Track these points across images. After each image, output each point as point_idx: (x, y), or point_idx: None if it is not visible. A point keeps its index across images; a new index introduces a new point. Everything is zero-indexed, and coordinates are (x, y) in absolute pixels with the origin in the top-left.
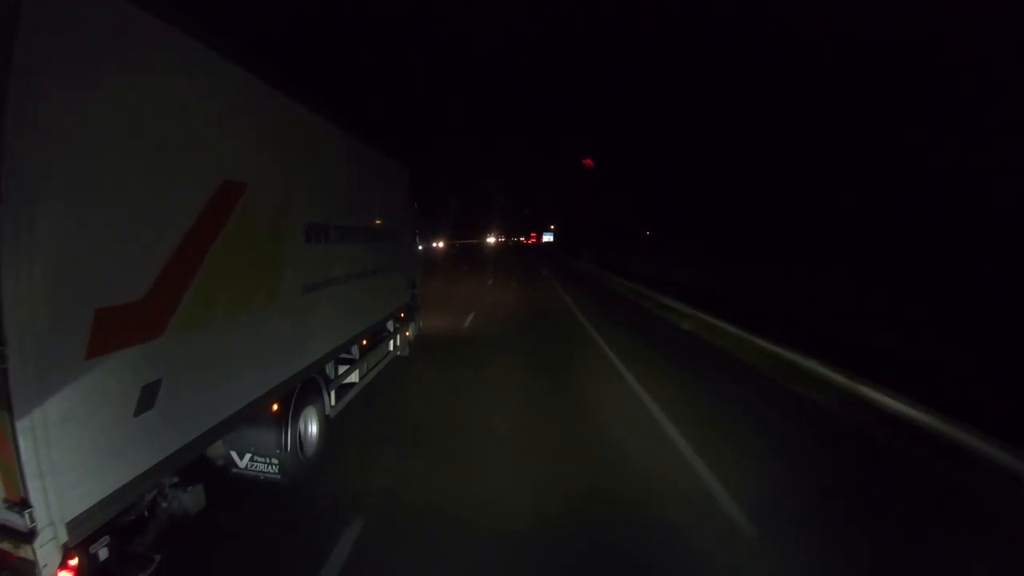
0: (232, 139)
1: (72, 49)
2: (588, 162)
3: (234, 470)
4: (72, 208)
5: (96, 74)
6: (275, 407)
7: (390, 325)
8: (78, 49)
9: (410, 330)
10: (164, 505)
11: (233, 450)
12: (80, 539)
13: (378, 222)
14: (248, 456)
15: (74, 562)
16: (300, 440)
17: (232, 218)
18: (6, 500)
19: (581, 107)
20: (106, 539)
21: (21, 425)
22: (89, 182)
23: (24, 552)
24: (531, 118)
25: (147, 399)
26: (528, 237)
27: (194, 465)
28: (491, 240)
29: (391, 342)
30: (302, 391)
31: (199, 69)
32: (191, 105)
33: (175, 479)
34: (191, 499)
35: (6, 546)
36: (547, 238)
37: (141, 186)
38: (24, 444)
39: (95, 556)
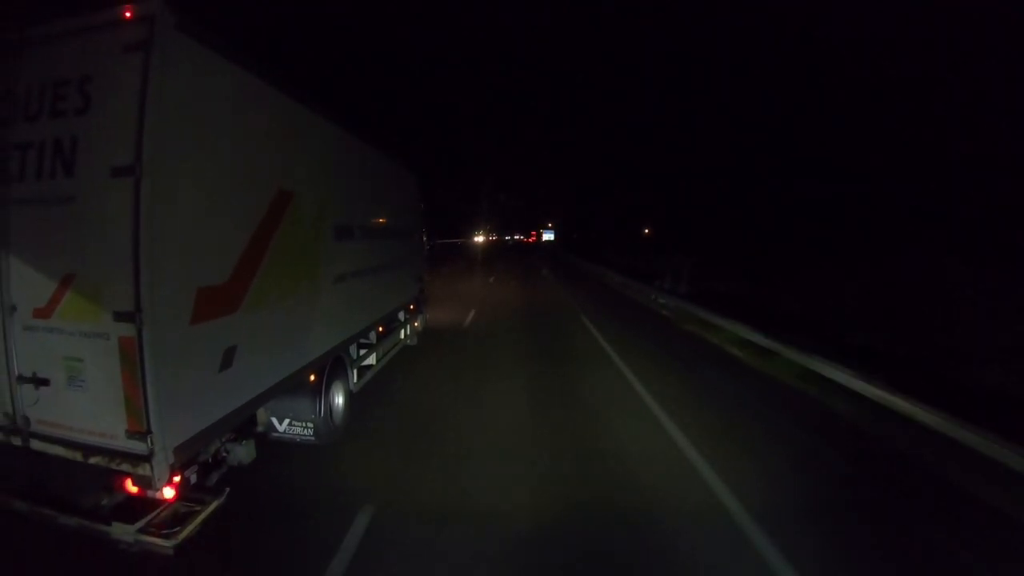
0: (285, 156)
1: (188, 97)
2: None
3: (273, 434)
4: (183, 216)
5: (204, 112)
6: (312, 378)
7: (401, 315)
8: (191, 92)
9: (418, 321)
10: (224, 455)
11: (274, 416)
12: (180, 463)
13: (392, 223)
14: (287, 421)
15: (176, 479)
16: (330, 409)
17: (284, 220)
18: (128, 432)
19: (583, 99)
20: (195, 467)
21: (149, 374)
22: (196, 196)
23: (142, 470)
24: (530, 107)
25: (227, 360)
26: (528, 235)
27: (244, 426)
28: (480, 239)
29: (402, 331)
30: (332, 366)
31: (268, 103)
32: (261, 131)
33: (232, 435)
34: (244, 451)
35: (125, 467)
36: (547, 236)
37: (228, 198)
38: (150, 388)
39: (188, 479)
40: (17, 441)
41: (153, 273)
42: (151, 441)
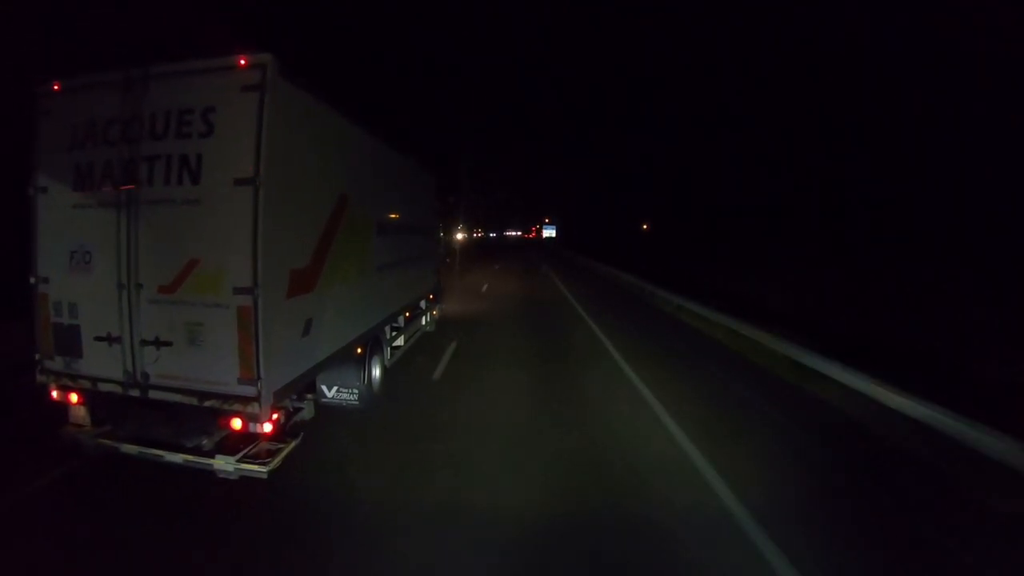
0: (344, 166)
1: (287, 125)
2: None
3: (323, 400)
4: (283, 215)
5: (295, 126)
6: (359, 351)
7: (422, 304)
8: (289, 122)
9: (435, 310)
10: (295, 409)
11: (323, 384)
12: (276, 404)
13: (416, 220)
14: (335, 388)
15: (275, 416)
16: (371, 379)
17: (343, 218)
18: (240, 379)
19: (584, 94)
20: (283, 411)
21: (261, 334)
22: (291, 199)
23: (252, 408)
24: (525, 101)
25: (307, 328)
26: (528, 231)
27: (306, 388)
28: (460, 236)
29: (423, 318)
30: (373, 343)
31: (334, 125)
32: (330, 147)
33: (295, 396)
34: (307, 409)
35: (237, 406)
36: (548, 233)
37: (309, 200)
38: (261, 345)
39: (279, 419)
40: (136, 393)
41: (265, 258)
42: (259, 385)
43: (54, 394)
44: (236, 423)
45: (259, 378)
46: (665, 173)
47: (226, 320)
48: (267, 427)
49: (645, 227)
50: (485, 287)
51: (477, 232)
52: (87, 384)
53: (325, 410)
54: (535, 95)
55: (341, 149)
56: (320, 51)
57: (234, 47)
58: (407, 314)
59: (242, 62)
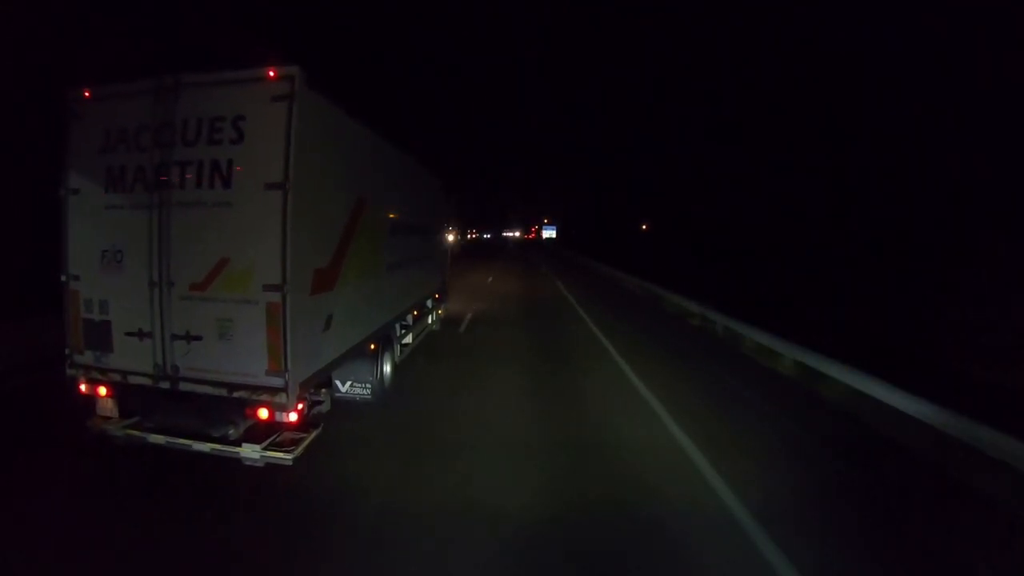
0: (361, 169)
1: (313, 132)
2: None
3: (336, 394)
4: (308, 217)
5: (320, 135)
6: (372, 347)
7: (429, 303)
8: (314, 130)
9: (441, 309)
10: (316, 401)
11: (337, 380)
12: (301, 395)
13: (425, 222)
14: (349, 383)
15: (300, 406)
16: (382, 374)
17: (360, 220)
18: (268, 370)
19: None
20: (306, 402)
21: (289, 328)
22: (315, 202)
23: (280, 398)
24: (530, 101)
25: (328, 324)
26: (528, 232)
27: (324, 383)
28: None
29: (429, 317)
30: (384, 339)
31: (353, 131)
32: (349, 152)
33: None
34: (326, 402)
35: (265, 397)
36: (547, 233)
37: (331, 203)
38: (289, 338)
39: (303, 409)
40: (166, 385)
41: (293, 257)
42: (287, 377)
43: (82, 387)
44: (263, 413)
45: (286, 370)
46: (666, 173)
47: (255, 316)
48: (293, 416)
49: (644, 227)
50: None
51: (471, 233)
52: (117, 377)
53: (336, 404)
54: (535, 95)
55: (358, 154)
56: (319, 51)
57: (243, 51)
58: (415, 312)
59: (271, 74)
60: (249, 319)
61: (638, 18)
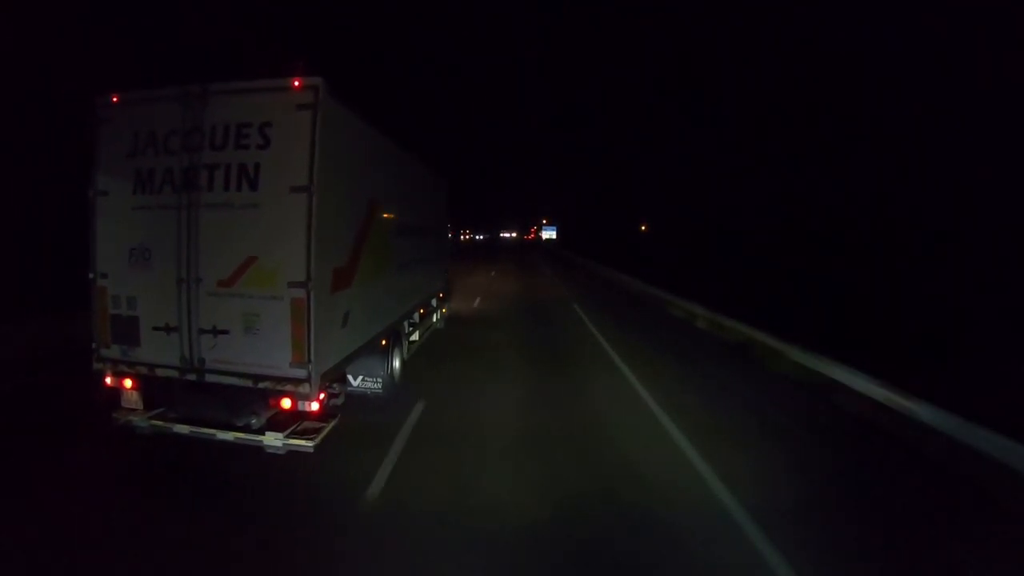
0: (375, 173)
1: (334, 138)
2: None
3: (348, 389)
4: (329, 218)
5: (341, 141)
6: (384, 343)
7: (434, 302)
8: (336, 136)
9: (445, 308)
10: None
11: (350, 374)
12: (323, 386)
13: (431, 223)
14: (360, 377)
15: (321, 396)
16: (392, 369)
17: (373, 221)
18: (292, 362)
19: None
20: (327, 393)
21: (312, 322)
22: (335, 204)
23: (303, 388)
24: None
25: (345, 320)
26: (527, 232)
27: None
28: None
29: (434, 315)
30: (394, 336)
31: (369, 136)
32: (365, 157)
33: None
34: (341, 395)
35: (289, 387)
36: (547, 234)
37: (348, 205)
38: (312, 332)
39: (324, 399)
40: (192, 377)
41: (316, 256)
42: (310, 368)
43: (108, 380)
44: (286, 403)
45: (310, 361)
46: (667, 173)
47: (280, 311)
48: (314, 406)
49: (643, 228)
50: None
51: (464, 234)
52: (144, 370)
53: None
54: (534, 92)
55: (373, 159)
56: (319, 48)
57: (242, 49)
58: (422, 311)
59: (296, 84)
60: (274, 314)
61: (638, 17)
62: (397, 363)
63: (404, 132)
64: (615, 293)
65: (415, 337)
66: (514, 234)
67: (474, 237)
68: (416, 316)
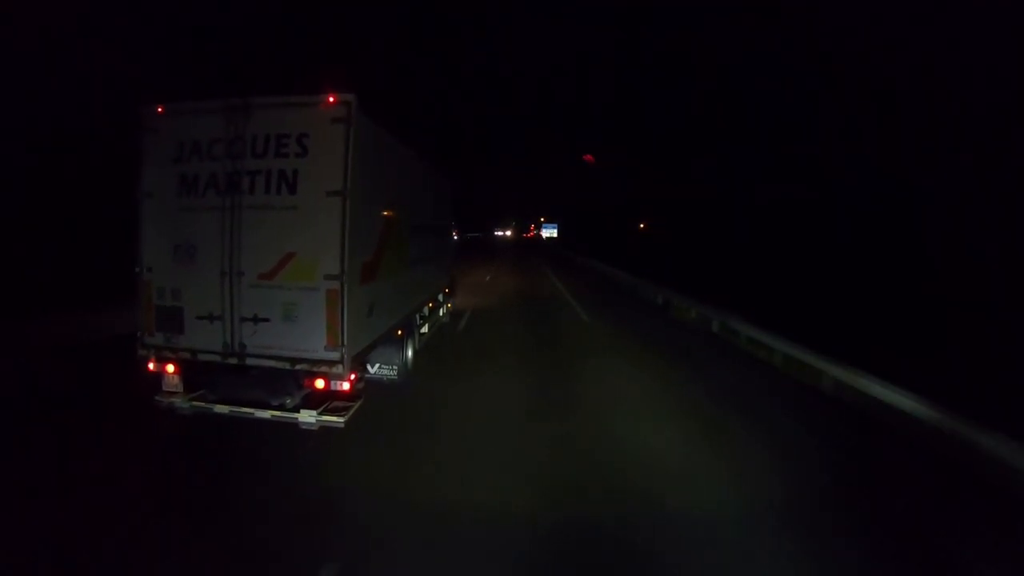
0: (393, 177)
1: (364, 148)
2: (589, 157)
3: (366, 376)
4: (359, 218)
5: (369, 151)
6: (399, 333)
7: (440, 297)
8: (365, 146)
9: (450, 303)
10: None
11: (368, 363)
12: (353, 367)
13: (438, 221)
14: (378, 365)
15: (352, 376)
16: (406, 358)
17: (393, 221)
18: (326, 346)
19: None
20: (357, 374)
21: (345, 310)
22: (364, 205)
23: (337, 369)
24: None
25: (370, 310)
26: (526, 231)
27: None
28: None
29: (440, 310)
30: (408, 327)
31: (389, 145)
32: (386, 163)
33: None
34: (360, 382)
35: (324, 368)
36: (547, 232)
37: (374, 207)
38: (345, 318)
39: (355, 379)
40: (233, 361)
41: (349, 252)
42: (343, 351)
43: (151, 366)
44: (320, 383)
45: (343, 345)
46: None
47: (317, 300)
48: (346, 385)
49: (642, 227)
50: None
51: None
52: (187, 355)
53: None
54: (530, 83)
55: (392, 165)
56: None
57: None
58: (430, 305)
59: (331, 99)
60: (311, 303)
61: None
62: (410, 353)
63: (387, 115)
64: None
65: (425, 329)
66: (508, 232)
67: (465, 235)
68: (426, 310)
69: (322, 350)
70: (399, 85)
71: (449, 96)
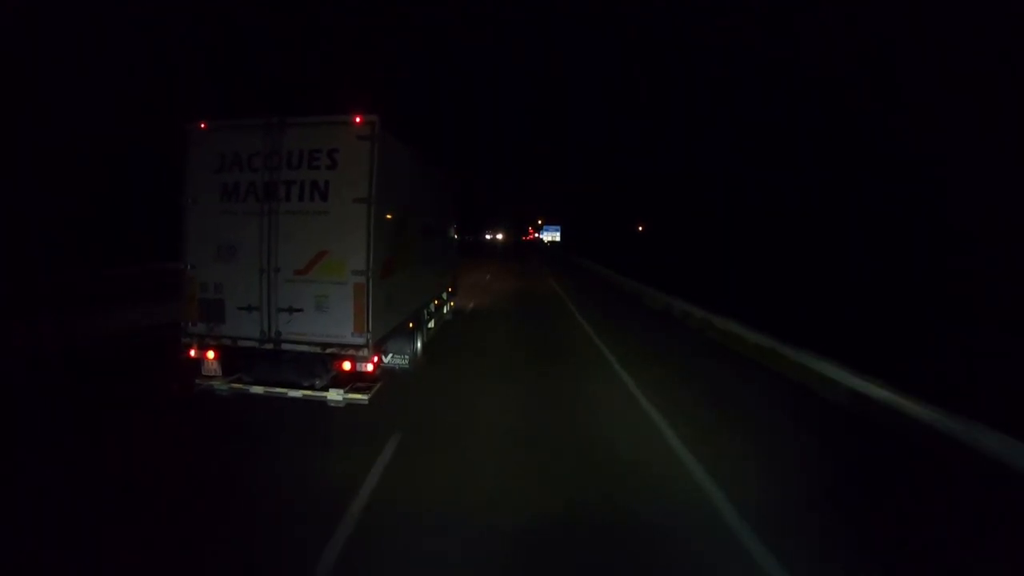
0: (407, 184)
1: (385, 161)
2: None
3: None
4: (381, 222)
5: (389, 163)
6: (411, 325)
7: (445, 295)
8: (386, 159)
9: (453, 301)
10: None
11: (384, 351)
12: (375, 350)
13: (443, 223)
14: (391, 355)
15: (375, 359)
16: (416, 348)
17: (407, 224)
18: (352, 332)
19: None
20: (379, 356)
21: (370, 301)
22: (385, 210)
23: (361, 352)
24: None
25: (389, 302)
26: (525, 233)
27: None
28: None
29: (445, 307)
30: (418, 320)
31: (405, 155)
32: (402, 172)
33: None
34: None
35: (350, 352)
36: (548, 236)
37: (392, 211)
38: (370, 308)
39: (378, 361)
40: (269, 347)
41: (373, 251)
42: (368, 336)
43: (192, 352)
44: (347, 365)
45: (368, 331)
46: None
47: (345, 293)
48: (369, 367)
49: (640, 228)
50: None
51: None
52: (227, 342)
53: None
54: (525, 78)
55: (406, 173)
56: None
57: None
58: (436, 302)
59: (357, 120)
60: (340, 295)
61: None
62: (419, 344)
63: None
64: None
65: (431, 324)
66: (500, 236)
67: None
68: (432, 306)
69: (350, 336)
70: (401, 84)
71: (447, 92)
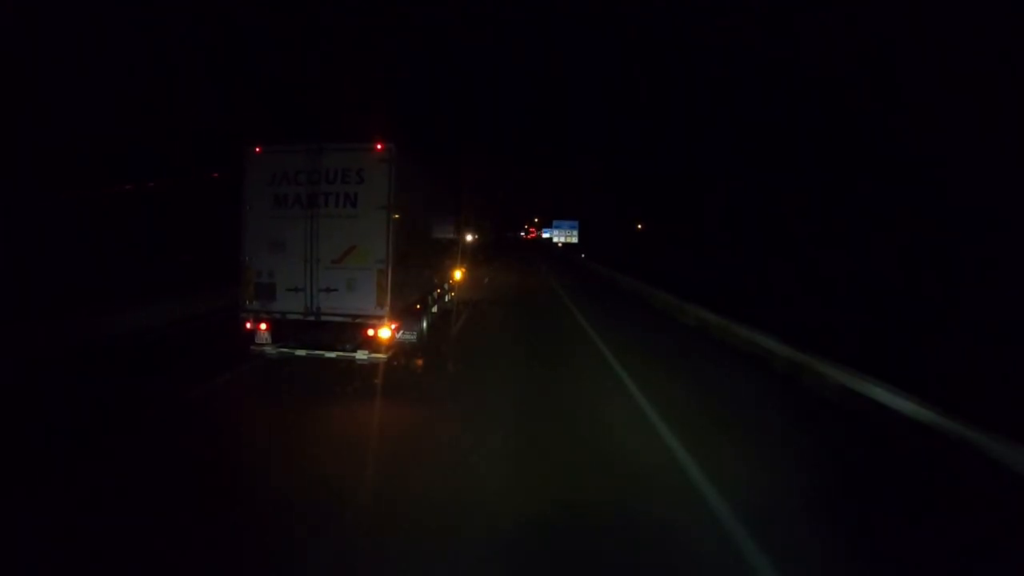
0: (415, 190)
1: (400, 176)
2: None
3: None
4: (397, 223)
5: (403, 178)
6: (418, 307)
7: (445, 286)
8: (401, 176)
9: (452, 292)
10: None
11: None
12: (391, 320)
13: (445, 221)
14: (402, 332)
15: (394, 326)
16: (422, 327)
17: (416, 224)
18: (376, 305)
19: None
20: (397, 324)
21: (390, 283)
22: (399, 215)
23: (383, 321)
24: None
25: (402, 284)
26: (526, 232)
27: None
28: None
29: (446, 296)
30: (424, 303)
31: (413, 169)
32: (413, 183)
33: None
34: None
35: (374, 321)
36: (561, 238)
37: (404, 213)
38: (389, 288)
39: (396, 328)
40: (311, 318)
41: (392, 246)
42: (387, 308)
43: (248, 325)
44: (371, 332)
45: (388, 304)
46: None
47: (370, 276)
48: (387, 332)
49: (640, 227)
50: None
51: None
52: (278, 316)
53: None
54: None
55: (416, 185)
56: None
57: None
58: (438, 291)
59: (379, 147)
60: (366, 278)
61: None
62: (425, 324)
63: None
64: None
65: (434, 309)
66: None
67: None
68: (435, 294)
69: (373, 308)
70: (401, 84)
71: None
